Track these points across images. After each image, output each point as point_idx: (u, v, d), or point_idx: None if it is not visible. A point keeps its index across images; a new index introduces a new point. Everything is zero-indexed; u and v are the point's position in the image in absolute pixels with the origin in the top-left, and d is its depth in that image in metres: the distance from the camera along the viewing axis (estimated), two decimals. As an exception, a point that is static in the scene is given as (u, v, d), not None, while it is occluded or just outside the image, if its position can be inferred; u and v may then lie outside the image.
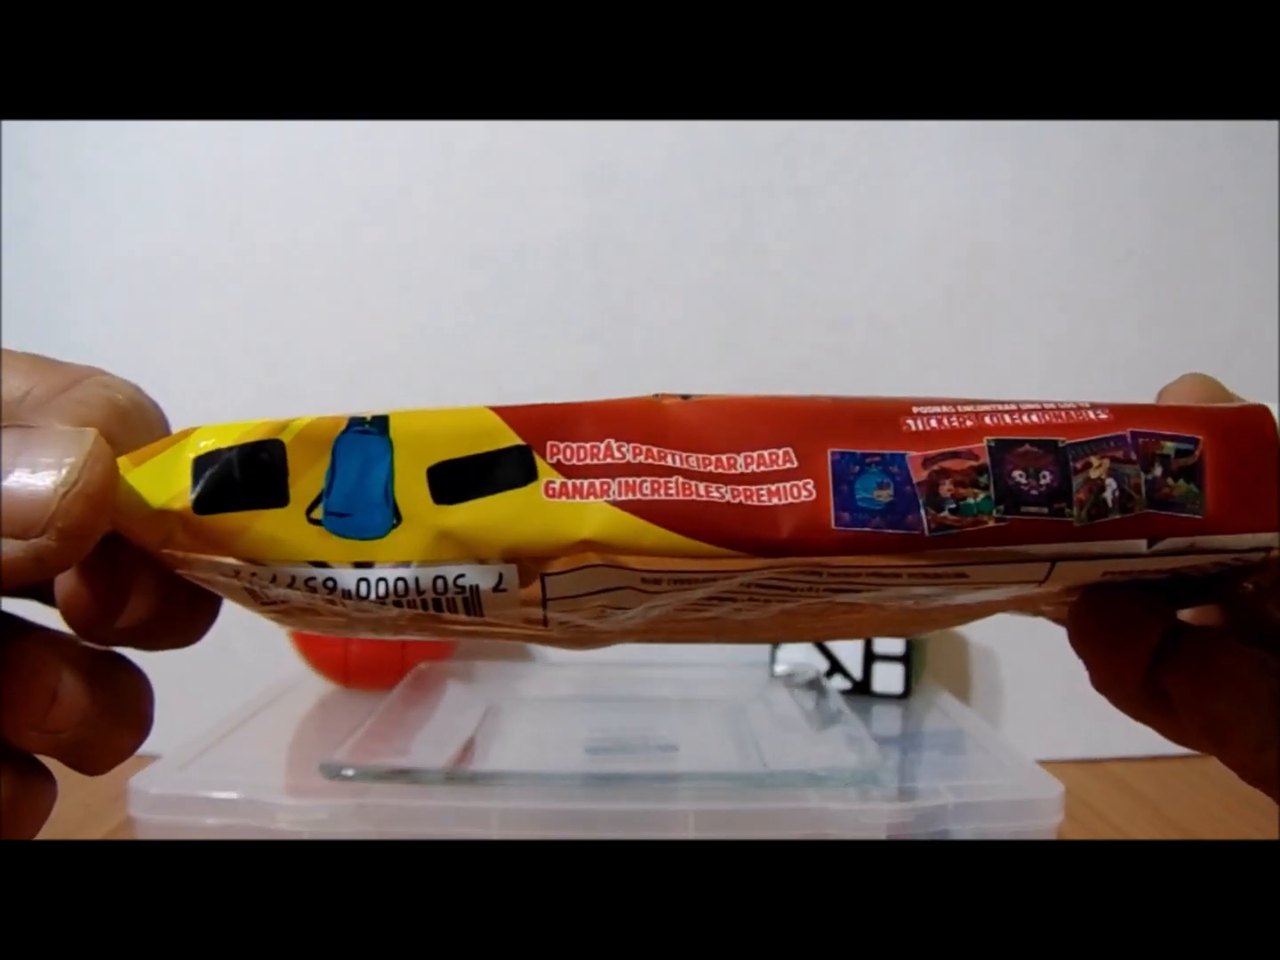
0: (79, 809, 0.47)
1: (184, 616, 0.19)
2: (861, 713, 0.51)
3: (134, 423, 0.18)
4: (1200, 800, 0.53)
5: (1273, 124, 0.60)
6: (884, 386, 0.68)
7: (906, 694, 0.56)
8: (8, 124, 0.58)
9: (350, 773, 0.39)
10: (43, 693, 0.17)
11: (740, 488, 0.16)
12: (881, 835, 0.38)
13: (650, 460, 0.17)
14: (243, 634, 0.56)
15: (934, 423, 0.17)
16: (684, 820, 0.38)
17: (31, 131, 0.59)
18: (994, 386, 0.62)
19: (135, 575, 0.18)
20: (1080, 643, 0.20)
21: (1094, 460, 0.16)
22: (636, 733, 0.49)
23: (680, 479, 0.16)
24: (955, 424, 0.17)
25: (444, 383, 0.61)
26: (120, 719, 0.18)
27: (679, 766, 0.44)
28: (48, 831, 0.18)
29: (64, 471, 0.15)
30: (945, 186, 0.62)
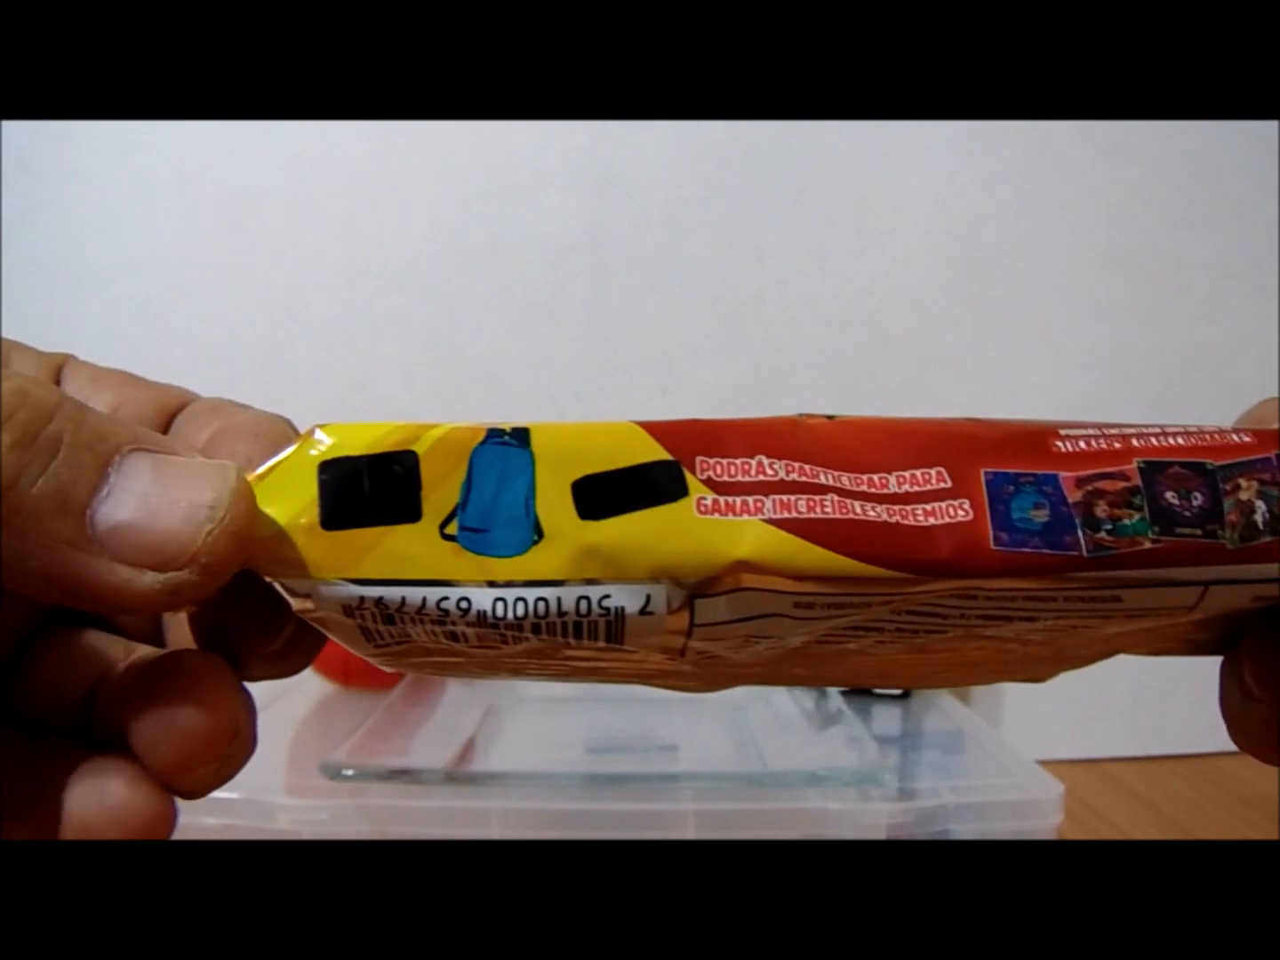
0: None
1: (303, 648, 0.19)
2: (861, 713, 0.51)
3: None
4: (1200, 800, 0.53)
5: (1273, 124, 0.60)
6: (884, 386, 0.68)
7: (906, 694, 0.56)
8: (8, 124, 0.58)
9: (350, 773, 0.39)
10: (226, 730, 0.17)
11: (895, 507, 0.16)
12: (881, 835, 0.38)
13: (803, 478, 0.16)
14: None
15: (1083, 444, 0.17)
16: (684, 820, 0.38)
17: (31, 131, 0.59)
18: (994, 386, 0.62)
19: (272, 611, 0.17)
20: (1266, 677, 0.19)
21: (1242, 482, 0.16)
22: (636, 733, 0.49)
23: (835, 497, 0.16)
24: (1104, 445, 0.17)
25: (444, 382, 0.61)
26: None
27: (679, 766, 0.45)
28: (48, 831, 0.18)
29: (211, 507, 0.15)
30: (945, 186, 0.62)
